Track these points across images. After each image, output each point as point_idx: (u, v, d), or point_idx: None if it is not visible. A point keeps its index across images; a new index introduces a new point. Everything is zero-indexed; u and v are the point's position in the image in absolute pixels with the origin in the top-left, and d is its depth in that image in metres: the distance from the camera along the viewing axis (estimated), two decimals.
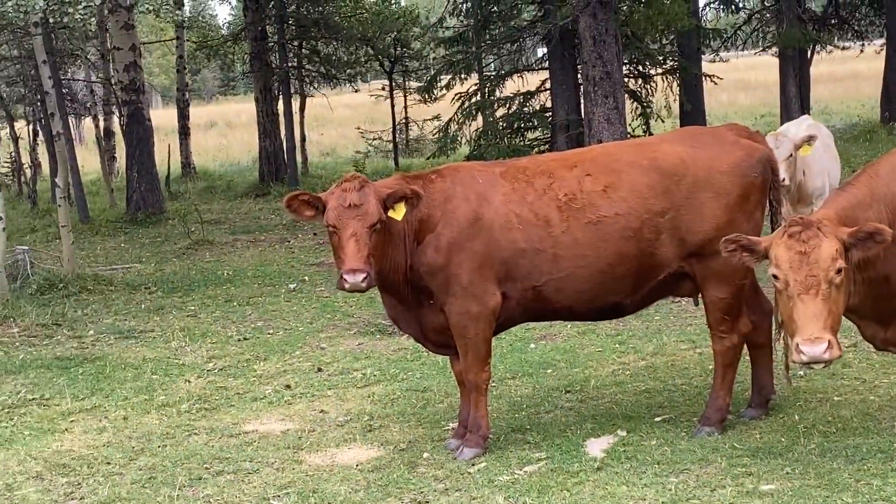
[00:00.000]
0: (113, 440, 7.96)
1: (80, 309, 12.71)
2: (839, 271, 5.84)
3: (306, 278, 13.94)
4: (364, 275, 6.64)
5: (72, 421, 8.49)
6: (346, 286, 6.68)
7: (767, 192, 7.19)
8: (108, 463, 7.48)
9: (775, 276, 5.94)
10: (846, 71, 41.83)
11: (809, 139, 10.32)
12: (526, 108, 22.14)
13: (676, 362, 8.88)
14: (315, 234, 17.78)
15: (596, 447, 7.06)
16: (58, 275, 13.97)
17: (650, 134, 20.55)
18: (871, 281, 6.15)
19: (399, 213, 6.88)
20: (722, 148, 7.13)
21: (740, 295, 7.16)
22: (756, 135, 7.41)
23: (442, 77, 23.70)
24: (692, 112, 22.95)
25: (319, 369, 9.59)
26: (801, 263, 5.84)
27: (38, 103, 24.49)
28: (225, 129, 45.07)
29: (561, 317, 7.52)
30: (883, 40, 26.85)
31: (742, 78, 42.92)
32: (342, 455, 7.36)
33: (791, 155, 10.30)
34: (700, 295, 7.23)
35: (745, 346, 7.41)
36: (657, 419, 7.52)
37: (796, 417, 7.29)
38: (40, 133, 26.99)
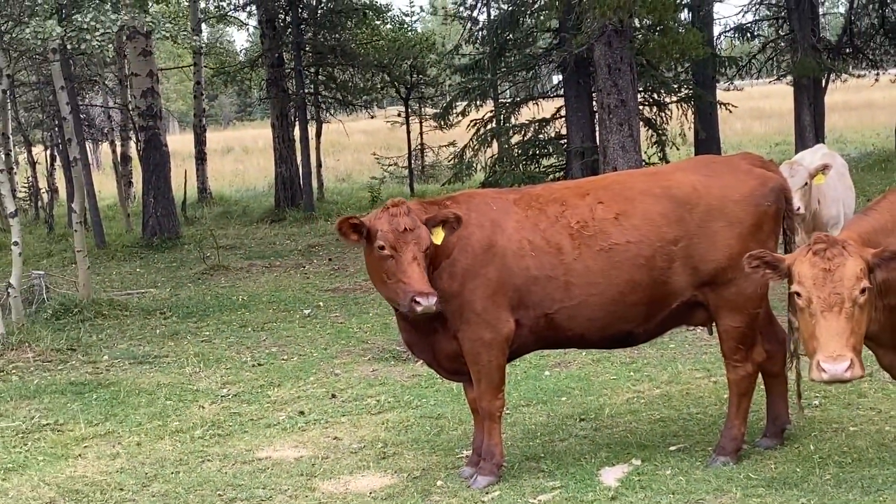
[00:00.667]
0: (126, 466, 7.97)
1: (95, 334, 12.75)
2: (863, 291, 5.81)
3: (321, 304, 13.95)
4: (435, 297, 6.67)
5: (85, 447, 8.50)
6: (420, 309, 6.66)
7: (781, 221, 7.18)
8: (122, 489, 7.48)
9: (798, 294, 5.91)
10: (861, 100, 41.78)
11: (824, 168, 10.32)
12: (541, 135, 22.20)
13: (691, 391, 8.85)
14: (330, 259, 17.82)
15: (610, 476, 7.04)
16: (73, 299, 14.01)
17: (666, 161, 20.56)
18: (892, 308, 6.12)
19: (439, 237, 6.91)
20: (735, 177, 7.13)
21: (754, 324, 7.14)
22: (770, 164, 7.40)
23: (457, 104, 23.78)
24: (707, 140, 22.97)
25: (333, 395, 9.59)
26: (825, 280, 5.81)
27: (56, 128, 24.62)
28: (241, 155, 45.22)
29: (573, 344, 7.51)
30: None
31: (756, 106, 42.92)
32: (356, 483, 7.35)
33: (806, 184, 10.31)
34: (714, 324, 7.22)
35: (760, 376, 7.38)
36: (672, 448, 7.49)
37: (811, 447, 7.26)
38: (58, 158, 27.13)
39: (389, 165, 31.18)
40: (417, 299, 6.65)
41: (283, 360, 11.15)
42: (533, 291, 6.99)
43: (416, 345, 7.33)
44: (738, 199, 7.05)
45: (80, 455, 8.30)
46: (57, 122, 23.01)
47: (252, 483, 7.43)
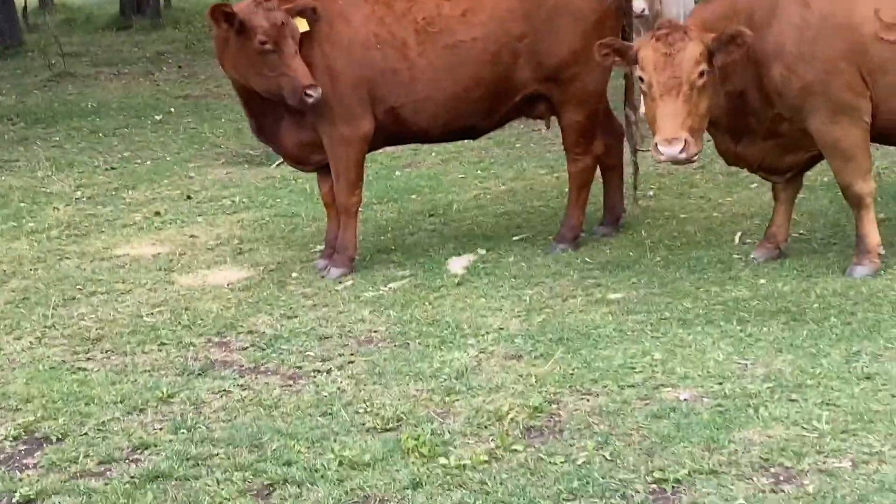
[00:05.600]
0: None
1: None
2: (702, 74, 6.15)
3: (172, 110, 13.91)
4: (319, 88, 6.91)
5: None
6: (311, 101, 6.89)
7: (622, 20, 7.47)
8: None
9: (641, 78, 6.25)
10: None
11: None
12: None
13: (535, 186, 9.26)
14: (180, 66, 17.63)
15: (457, 265, 7.41)
16: None
17: None
18: (729, 94, 6.48)
19: (303, 25, 7.04)
20: None
21: (595, 118, 7.51)
22: None
23: None
24: None
25: (189, 197, 9.74)
26: (665, 65, 6.13)
27: None
28: None
29: (419, 140, 7.81)
30: None
31: None
32: (213, 276, 7.59)
33: None
34: (553, 118, 7.56)
35: (598, 169, 7.79)
36: (515, 238, 7.91)
37: (644, 234, 7.76)
38: None
39: None
40: (309, 92, 6.86)
41: (136, 164, 11.20)
42: (380, 85, 7.19)
43: (266, 131, 7.48)
44: None
45: None
46: None
47: (111, 278, 7.61)
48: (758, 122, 6.61)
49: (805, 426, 4.82)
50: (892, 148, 8.40)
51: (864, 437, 4.69)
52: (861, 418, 4.84)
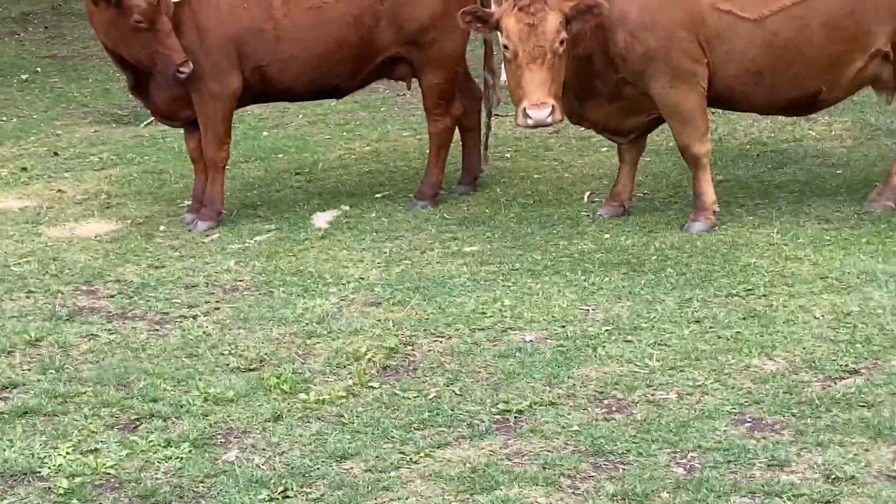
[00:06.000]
0: None
1: None
2: (562, 42, 6.53)
3: (39, 69, 13.78)
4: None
5: None
6: (183, 76, 7.17)
7: None
8: None
9: (506, 47, 6.59)
10: None
11: None
12: None
13: (398, 147, 9.58)
14: (46, 27, 17.42)
15: (321, 220, 7.69)
16: None
17: None
18: (576, 58, 6.86)
19: None
20: None
21: (454, 81, 7.85)
22: None
23: None
24: None
25: (56, 153, 9.80)
26: (529, 34, 6.48)
27: None
28: None
29: (284, 98, 8.09)
30: None
31: None
32: (81, 229, 7.73)
33: None
34: (414, 79, 7.89)
35: (458, 130, 8.14)
36: (378, 196, 8.22)
37: (499, 192, 8.14)
38: None
39: None
40: (182, 69, 7.12)
41: (1, 121, 11.17)
42: (247, 43, 7.42)
43: (139, 89, 7.65)
44: None
45: None
46: None
47: None
48: (603, 86, 7.04)
49: (637, 363, 5.25)
50: (733, 114, 8.96)
51: (689, 373, 5.13)
52: (688, 356, 5.29)
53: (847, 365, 5.09)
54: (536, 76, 6.48)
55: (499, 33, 6.72)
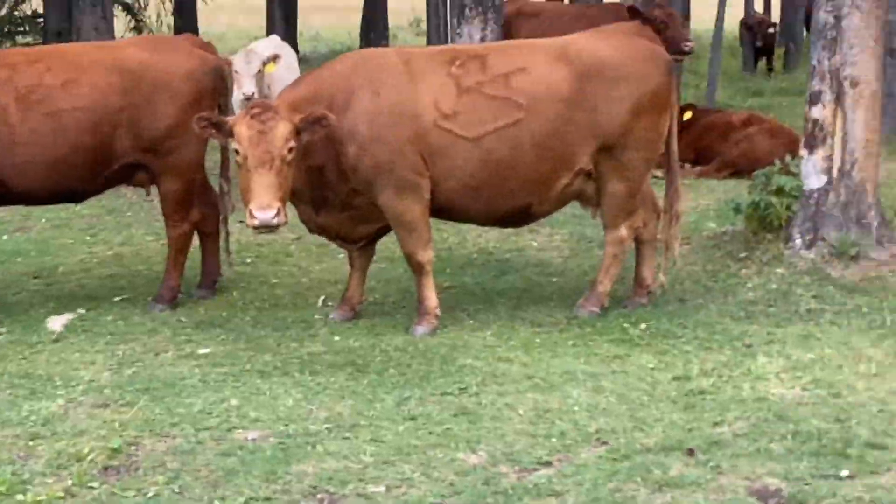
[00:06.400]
0: None
1: None
2: (290, 150, 6.91)
3: None
4: None
5: None
6: None
7: (218, 99, 8.11)
8: None
9: (237, 151, 6.92)
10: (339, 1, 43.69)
11: (275, 58, 11.38)
12: (17, 13, 21.60)
13: (141, 252, 9.69)
14: None
15: (56, 323, 7.70)
16: None
17: None
18: (310, 169, 7.26)
19: None
20: (179, 55, 7.97)
21: (191, 188, 8.09)
22: (209, 46, 8.33)
23: None
24: (185, 29, 23.50)
25: None
26: (259, 141, 6.85)
27: None
28: None
29: (23, 202, 8.16)
30: None
31: (247, 1, 43.67)
32: None
33: (259, 70, 11.30)
34: (153, 186, 8.11)
35: (195, 234, 8.34)
36: (116, 299, 8.30)
37: (237, 295, 8.38)
38: None
39: None
40: None
41: None
42: None
43: None
44: (181, 76, 7.88)
45: None
46: None
47: None
48: (335, 195, 7.43)
49: (353, 459, 5.53)
50: (464, 225, 9.48)
51: (400, 467, 5.45)
52: (401, 451, 5.61)
53: (541, 457, 5.53)
54: (264, 180, 6.84)
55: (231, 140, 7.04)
